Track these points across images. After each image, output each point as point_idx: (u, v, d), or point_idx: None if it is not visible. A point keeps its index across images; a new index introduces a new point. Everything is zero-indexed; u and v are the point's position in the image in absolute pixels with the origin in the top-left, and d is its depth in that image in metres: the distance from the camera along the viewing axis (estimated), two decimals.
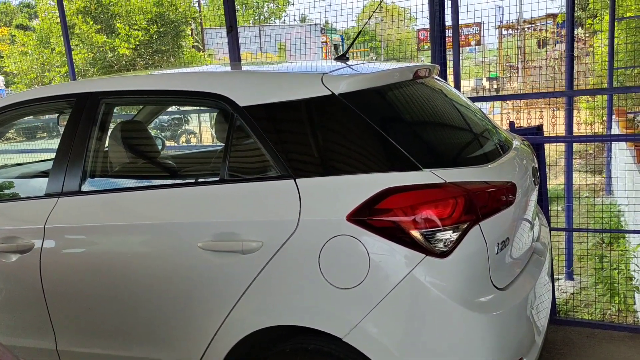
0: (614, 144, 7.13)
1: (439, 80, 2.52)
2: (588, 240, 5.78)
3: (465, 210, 1.77)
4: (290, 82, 2.11)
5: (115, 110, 2.62)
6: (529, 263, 2.18)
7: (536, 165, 2.41)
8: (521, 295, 1.97)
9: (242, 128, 2.06)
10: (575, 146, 7.64)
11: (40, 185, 2.49)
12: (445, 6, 3.91)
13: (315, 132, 1.97)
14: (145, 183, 2.43)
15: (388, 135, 1.89)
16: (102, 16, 12.33)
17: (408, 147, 1.87)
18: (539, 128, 3.31)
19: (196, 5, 14.62)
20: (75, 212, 2.30)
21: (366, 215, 1.79)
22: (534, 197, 2.28)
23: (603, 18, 9.81)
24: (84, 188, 2.32)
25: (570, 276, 5.37)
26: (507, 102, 10.56)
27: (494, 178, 1.94)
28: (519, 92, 11.11)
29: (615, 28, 7.82)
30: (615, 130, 7.58)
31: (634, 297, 4.64)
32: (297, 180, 1.91)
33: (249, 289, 1.95)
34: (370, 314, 1.79)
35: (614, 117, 7.86)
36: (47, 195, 2.36)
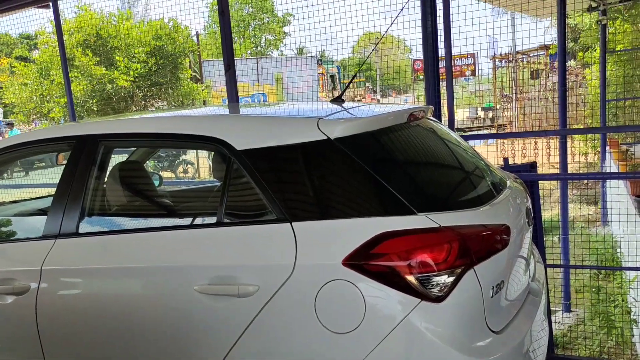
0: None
1: (433, 120, 2.57)
2: (584, 272, 5.78)
3: (460, 254, 1.80)
4: (287, 126, 2.15)
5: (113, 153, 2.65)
6: (525, 303, 2.19)
7: (530, 206, 2.44)
8: (518, 337, 1.98)
9: (239, 171, 2.09)
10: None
11: (38, 224, 2.51)
12: (439, 38, 3.96)
13: (312, 176, 2.00)
14: (142, 224, 2.45)
15: (382, 180, 1.92)
16: (101, 49, 12.49)
17: (402, 191, 1.90)
18: (533, 165, 3.35)
19: (194, 38, 14.84)
20: (72, 254, 2.31)
21: (362, 260, 1.81)
22: (528, 236, 2.31)
23: (595, 50, 9.99)
24: (81, 229, 2.33)
25: (567, 308, 5.37)
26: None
27: (488, 221, 1.97)
28: (513, 124, 11.22)
29: (607, 61, 7.97)
30: (609, 162, 7.65)
31: (632, 330, 4.64)
32: (293, 223, 1.94)
33: (244, 333, 1.95)
34: (367, 359, 1.80)
35: (607, 148, 7.95)
36: (45, 237, 2.38)
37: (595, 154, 9.75)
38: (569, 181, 6.39)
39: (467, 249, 1.81)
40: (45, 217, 2.43)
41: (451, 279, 1.78)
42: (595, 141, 9.33)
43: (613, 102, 8.31)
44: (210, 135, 2.17)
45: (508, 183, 2.41)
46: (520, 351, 1.97)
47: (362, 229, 1.85)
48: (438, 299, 1.77)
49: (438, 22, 3.73)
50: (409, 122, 2.25)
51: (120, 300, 2.18)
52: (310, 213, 1.94)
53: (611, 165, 7.43)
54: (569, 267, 4.74)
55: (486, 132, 14.32)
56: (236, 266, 1.98)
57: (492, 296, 1.88)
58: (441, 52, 3.79)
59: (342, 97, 2.56)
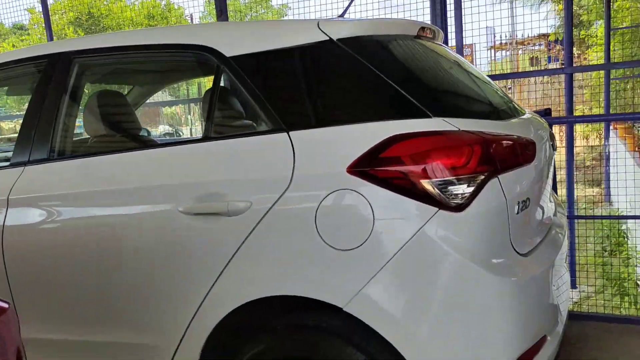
0: (612, 154, 7.00)
1: (444, 45, 2.33)
2: (587, 251, 5.58)
3: (483, 160, 1.56)
4: (283, 29, 1.91)
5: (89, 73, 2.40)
6: (550, 234, 1.97)
7: (552, 133, 2.21)
8: (544, 265, 1.75)
9: (229, 80, 1.85)
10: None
11: (7, 155, 2.26)
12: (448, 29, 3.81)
13: (312, 80, 1.76)
14: (120, 146, 2.21)
15: (393, 82, 1.68)
16: (93, 28, 12.21)
17: (415, 95, 1.66)
18: (547, 112, 3.12)
19: (188, 18, 14.56)
20: (42, 181, 2.06)
21: (370, 166, 1.57)
22: (552, 165, 2.08)
23: (597, 29, 9.79)
24: (53, 155, 2.08)
25: (573, 285, 5.15)
26: None
27: (512, 132, 1.73)
28: None
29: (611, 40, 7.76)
30: (613, 140, 7.45)
31: None
32: (290, 133, 1.70)
33: (235, 256, 1.71)
34: (375, 279, 1.56)
35: (611, 127, 7.74)
36: (12, 165, 2.13)
37: (597, 137, 9.55)
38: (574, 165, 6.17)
39: (490, 155, 1.57)
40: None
41: (473, 186, 1.54)
42: (599, 124, 9.13)
43: (617, 81, 8.11)
44: (195, 42, 1.93)
45: (526, 113, 2.18)
46: (546, 280, 1.74)
47: (370, 133, 1.61)
48: (458, 208, 1.53)
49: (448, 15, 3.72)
50: (419, 36, 2.01)
51: (96, 227, 1.93)
52: (310, 120, 1.70)
53: (617, 143, 7.25)
54: (573, 218, 4.49)
55: None
56: (225, 181, 1.74)
57: (518, 213, 1.64)
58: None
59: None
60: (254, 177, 1.71)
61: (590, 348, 2.65)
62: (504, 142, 1.65)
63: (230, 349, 1.88)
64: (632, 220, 5.78)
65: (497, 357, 1.54)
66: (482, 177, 1.55)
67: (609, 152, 7.25)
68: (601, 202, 7.73)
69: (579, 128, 9.93)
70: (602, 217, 5.75)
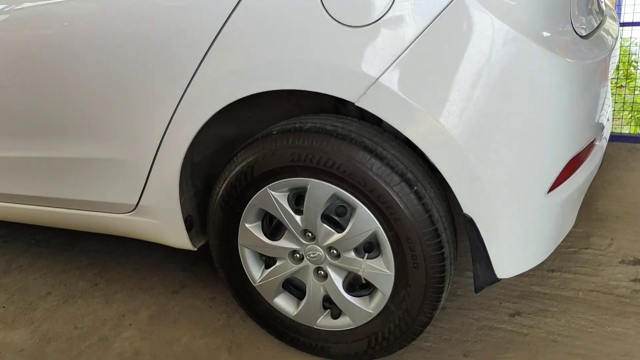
0: None
1: None
2: None
3: None
4: None
5: None
6: (603, 26, 1.61)
7: None
8: (602, 52, 1.41)
9: None
10: None
11: None
12: None
13: None
14: None
15: None
16: None
17: None
18: None
19: None
20: None
21: None
22: None
23: None
24: None
25: None
26: None
27: None
28: None
29: None
30: None
31: None
32: None
33: (219, 36, 1.34)
34: (399, 62, 1.21)
35: None
36: None
37: None
38: None
39: None
40: None
41: None
42: None
43: None
44: None
45: None
46: (603, 72, 1.40)
47: None
48: None
49: None
50: None
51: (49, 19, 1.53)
52: None
53: None
54: None
55: None
56: None
57: None
58: None
59: None
60: None
61: (615, 167, 2.42)
62: None
63: (215, 162, 1.58)
64: None
65: (555, 154, 1.26)
66: None
67: None
68: None
69: None
70: None
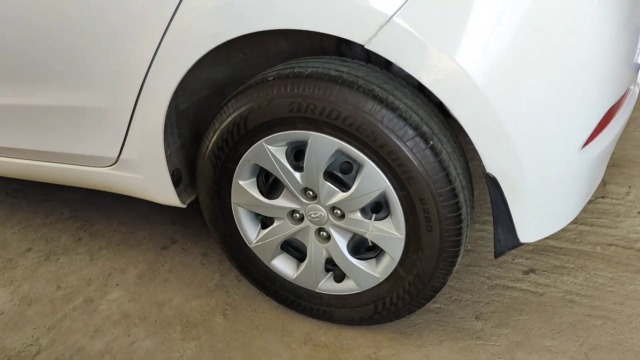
0: None
1: None
2: None
3: None
4: None
5: None
6: None
7: None
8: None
9: None
10: None
11: None
12: None
13: None
14: None
15: None
16: None
17: None
18: None
19: None
20: None
21: None
22: None
23: None
24: None
25: None
26: None
27: None
28: None
29: None
30: None
31: None
32: None
33: None
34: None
35: None
36: None
37: None
38: None
39: None
40: None
41: None
42: None
43: None
44: None
45: None
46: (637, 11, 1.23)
47: None
48: None
49: None
50: None
51: None
52: None
53: None
54: None
55: None
56: None
57: None
58: None
59: None
60: None
61: None
62: None
63: (205, 109, 1.41)
64: None
65: (593, 103, 1.13)
66: None
67: None
68: None
69: None
70: None
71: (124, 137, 1.50)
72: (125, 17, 1.31)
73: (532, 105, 1.09)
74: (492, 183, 1.15)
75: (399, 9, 1.05)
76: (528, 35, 1.05)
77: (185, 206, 1.60)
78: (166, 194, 1.57)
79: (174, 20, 1.25)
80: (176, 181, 1.57)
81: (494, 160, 1.13)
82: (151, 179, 1.55)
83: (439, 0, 1.05)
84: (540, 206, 1.18)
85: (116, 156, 1.55)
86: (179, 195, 1.57)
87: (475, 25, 1.04)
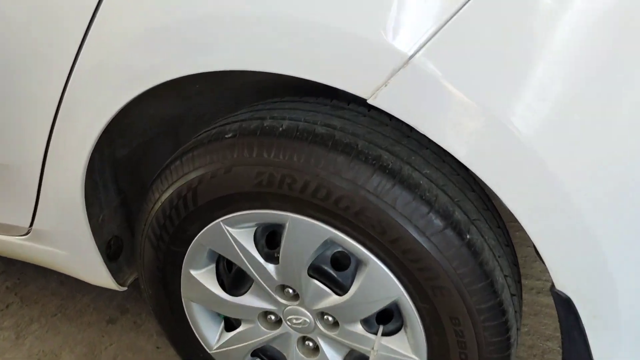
0: None
1: None
2: None
3: None
4: None
5: None
6: None
7: None
8: None
9: None
10: None
11: None
12: None
13: None
14: None
15: None
16: None
17: None
18: None
19: None
20: None
21: None
22: None
23: None
24: None
25: None
26: None
27: None
28: None
29: None
30: None
31: None
32: None
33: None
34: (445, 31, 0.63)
35: None
36: None
37: None
38: None
39: None
40: None
41: None
42: None
43: None
44: None
45: None
46: None
47: None
48: None
49: None
50: None
51: None
52: None
53: None
54: None
55: None
56: None
57: None
58: None
59: None
60: None
61: None
62: None
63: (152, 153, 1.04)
64: None
65: None
66: None
67: None
68: None
69: None
70: None
71: (34, 202, 1.10)
72: (19, 51, 0.91)
73: (629, 187, 0.70)
74: (565, 305, 0.76)
75: (422, 46, 0.65)
76: (612, 81, 0.66)
77: (124, 289, 1.21)
78: (95, 273, 1.17)
79: (80, 55, 0.85)
80: (113, 253, 1.18)
81: (569, 275, 0.74)
82: (75, 254, 1.15)
83: (484, 36, 0.65)
84: (636, 342, 0.79)
85: (27, 225, 1.15)
86: (115, 274, 1.18)
87: (542, 74, 0.65)
